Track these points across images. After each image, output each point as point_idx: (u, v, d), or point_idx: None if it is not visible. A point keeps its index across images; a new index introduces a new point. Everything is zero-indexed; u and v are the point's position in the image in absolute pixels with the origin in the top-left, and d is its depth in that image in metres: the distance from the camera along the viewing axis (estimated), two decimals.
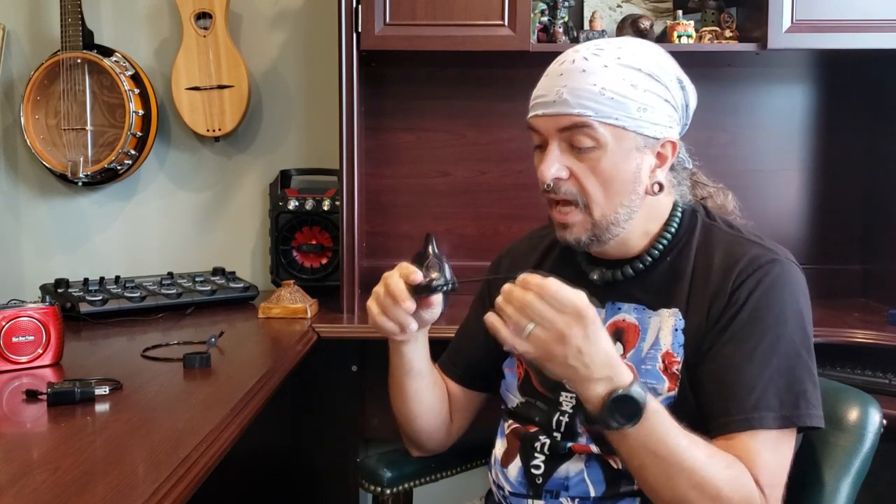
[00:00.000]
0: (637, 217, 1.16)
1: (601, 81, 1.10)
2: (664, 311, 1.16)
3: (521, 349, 1.01)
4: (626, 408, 0.99)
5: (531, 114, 1.16)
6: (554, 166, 1.13)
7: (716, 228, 1.20)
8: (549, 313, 0.99)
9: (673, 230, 1.19)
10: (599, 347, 1.00)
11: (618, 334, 1.18)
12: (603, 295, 1.22)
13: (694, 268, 1.16)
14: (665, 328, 1.15)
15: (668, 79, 1.15)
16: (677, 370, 1.12)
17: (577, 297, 0.99)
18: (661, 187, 1.16)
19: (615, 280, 1.21)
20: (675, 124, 1.17)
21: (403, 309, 1.15)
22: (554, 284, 1.00)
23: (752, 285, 1.10)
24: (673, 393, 1.12)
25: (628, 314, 1.19)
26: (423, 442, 1.37)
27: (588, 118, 1.10)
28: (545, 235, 1.34)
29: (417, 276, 1.15)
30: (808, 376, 1.08)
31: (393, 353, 1.28)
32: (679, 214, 1.20)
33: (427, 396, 1.31)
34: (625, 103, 1.10)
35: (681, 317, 1.14)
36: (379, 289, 1.19)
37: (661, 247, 1.19)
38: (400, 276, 1.17)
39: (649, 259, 1.19)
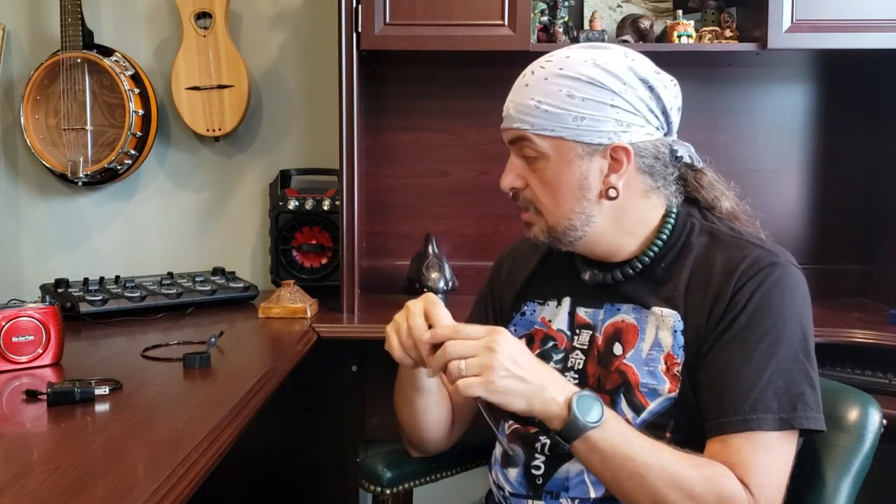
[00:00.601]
0: (602, 221, 1.18)
1: (538, 95, 1.15)
2: (656, 309, 1.16)
3: (470, 386, 1.02)
4: (589, 406, 1.02)
5: None
6: (508, 177, 1.21)
7: (715, 230, 1.20)
8: (468, 343, 1.04)
9: (666, 235, 1.19)
10: (530, 357, 1.06)
11: (616, 335, 1.19)
12: (597, 296, 1.23)
13: (692, 270, 1.16)
14: (665, 329, 1.15)
15: (620, 83, 1.14)
16: (678, 372, 1.13)
17: (486, 326, 1.07)
18: (617, 192, 1.16)
19: (605, 283, 1.22)
20: (634, 128, 1.15)
21: (425, 362, 1.10)
22: (465, 325, 1.07)
23: (753, 287, 1.10)
24: (674, 394, 1.12)
25: (627, 315, 1.19)
26: (426, 447, 1.38)
27: (525, 132, 1.16)
28: None
29: (444, 331, 1.07)
30: (805, 379, 1.08)
31: (402, 370, 1.26)
32: (672, 219, 1.20)
33: (434, 411, 1.31)
34: (559, 114, 1.13)
35: (679, 318, 1.14)
36: (401, 322, 1.12)
37: (652, 253, 1.19)
38: (425, 320, 1.10)
39: (639, 265, 1.20)
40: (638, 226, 1.20)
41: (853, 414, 1.19)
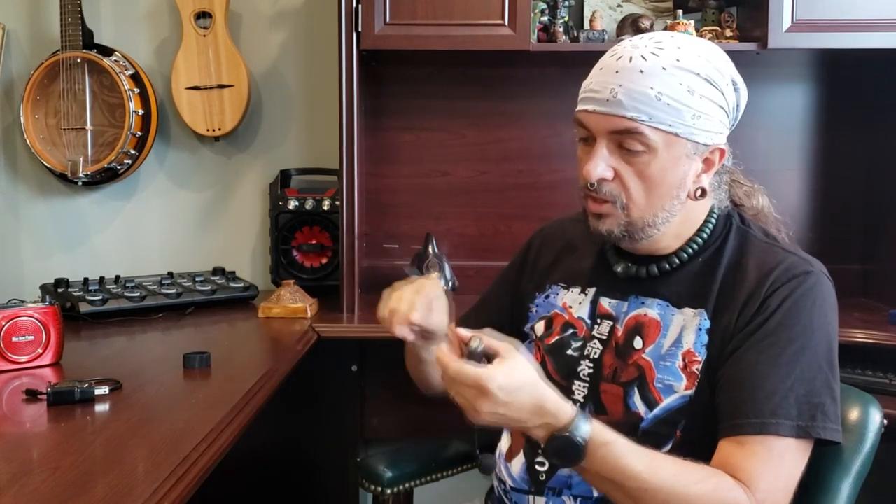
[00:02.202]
0: (675, 220, 1.16)
1: (658, 85, 1.08)
2: (688, 310, 1.16)
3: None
4: (564, 450, 0.99)
5: (581, 107, 1.14)
6: (599, 166, 1.11)
7: (750, 235, 1.20)
8: (459, 388, 1.00)
9: (705, 235, 1.19)
10: (518, 403, 0.98)
11: (637, 329, 1.18)
12: (624, 287, 1.22)
13: (725, 271, 1.16)
14: (689, 327, 1.15)
15: (725, 83, 1.13)
16: (697, 370, 1.12)
17: (476, 373, 0.98)
18: (704, 192, 1.16)
19: (639, 276, 1.21)
20: (726, 129, 1.16)
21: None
22: (452, 367, 0.99)
23: (785, 294, 1.10)
24: (690, 392, 1.12)
25: (651, 309, 1.18)
26: (436, 392, 1.38)
27: (642, 123, 1.08)
28: (578, 221, 1.35)
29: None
30: (827, 390, 1.07)
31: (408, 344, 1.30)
32: (713, 220, 1.20)
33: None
34: (680, 110, 1.09)
35: (706, 317, 1.14)
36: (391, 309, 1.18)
37: (691, 250, 1.19)
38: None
39: (677, 261, 1.19)
40: (690, 226, 1.20)
41: (853, 414, 1.19)
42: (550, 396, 1.01)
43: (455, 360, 1.01)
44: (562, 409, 1.00)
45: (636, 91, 1.08)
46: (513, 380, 0.99)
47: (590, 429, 1.00)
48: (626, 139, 1.10)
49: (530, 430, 1.01)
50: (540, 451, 1.03)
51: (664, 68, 1.08)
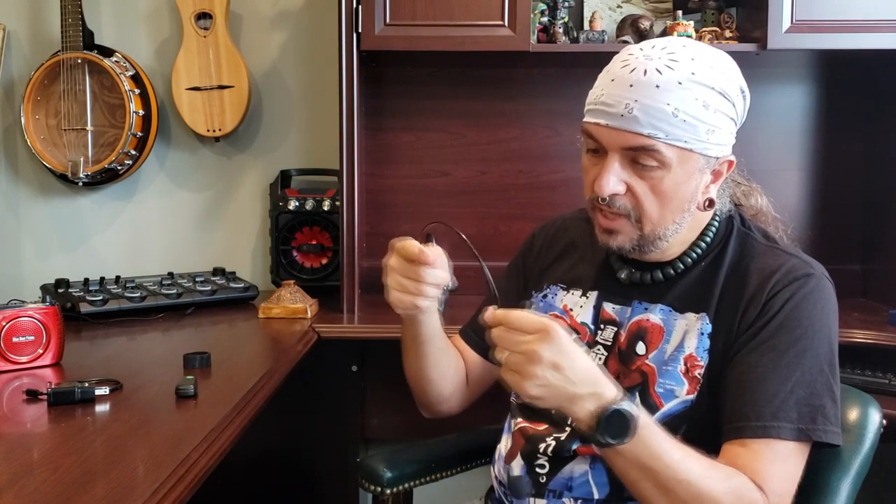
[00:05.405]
0: (682, 230, 1.16)
1: (675, 101, 1.06)
2: (691, 315, 1.15)
3: (506, 378, 0.97)
4: (617, 424, 0.96)
5: (591, 119, 1.11)
6: (611, 181, 1.09)
7: (751, 238, 1.20)
8: (515, 337, 0.96)
9: (708, 239, 1.19)
10: (577, 362, 0.96)
11: (640, 334, 1.18)
12: (627, 293, 1.22)
13: (727, 275, 1.16)
14: (691, 331, 1.14)
15: (735, 93, 1.12)
16: (699, 374, 1.12)
17: (542, 318, 0.96)
18: (712, 203, 1.16)
19: (643, 282, 1.21)
20: (734, 138, 1.15)
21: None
22: (514, 313, 0.97)
23: (787, 296, 1.10)
24: (691, 397, 1.12)
25: (653, 314, 1.18)
26: (437, 406, 1.36)
27: (658, 140, 1.07)
28: (580, 220, 1.34)
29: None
30: (828, 392, 1.08)
31: (406, 322, 1.27)
32: (716, 224, 1.20)
33: (442, 360, 1.30)
34: (696, 126, 1.07)
35: (708, 321, 1.14)
36: (391, 270, 1.24)
37: (695, 255, 1.19)
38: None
39: (681, 266, 1.19)
40: (694, 231, 1.19)
41: (853, 414, 1.19)
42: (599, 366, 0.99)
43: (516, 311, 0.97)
44: (610, 381, 0.98)
45: (652, 107, 1.06)
46: (570, 339, 0.96)
47: (636, 406, 0.97)
48: (640, 155, 1.08)
49: (579, 401, 0.96)
50: (582, 433, 0.98)
51: (680, 83, 1.06)
